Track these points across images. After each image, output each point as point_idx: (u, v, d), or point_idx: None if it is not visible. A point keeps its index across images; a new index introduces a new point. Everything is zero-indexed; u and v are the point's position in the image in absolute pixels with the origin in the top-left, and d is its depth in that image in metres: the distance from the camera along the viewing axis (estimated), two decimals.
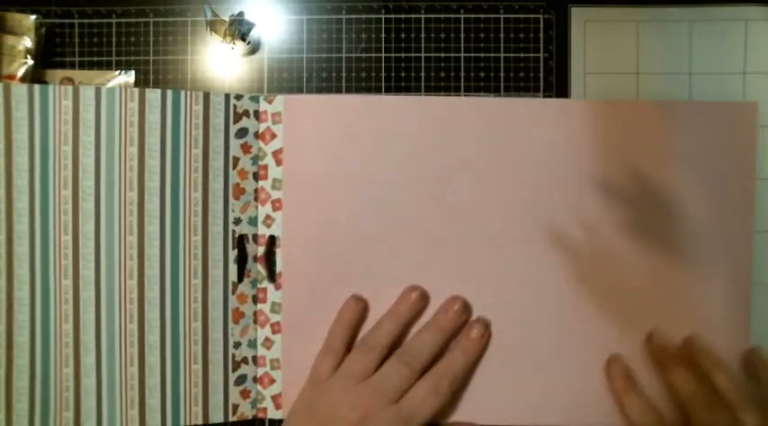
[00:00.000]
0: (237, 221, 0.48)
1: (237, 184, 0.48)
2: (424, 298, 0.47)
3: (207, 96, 0.48)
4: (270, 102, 0.49)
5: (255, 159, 0.49)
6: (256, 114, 0.49)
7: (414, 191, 0.48)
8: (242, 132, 0.49)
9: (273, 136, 0.49)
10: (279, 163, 0.48)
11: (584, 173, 0.48)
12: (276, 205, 0.48)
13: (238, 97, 0.49)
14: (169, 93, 0.48)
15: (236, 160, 0.48)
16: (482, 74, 0.57)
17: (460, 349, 0.46)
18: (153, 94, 0.48)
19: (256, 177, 0.49)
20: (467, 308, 0.47)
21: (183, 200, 0.47)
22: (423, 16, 0.58)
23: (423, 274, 0.48)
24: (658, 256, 0.48)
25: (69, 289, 0.47)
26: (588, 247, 0.48)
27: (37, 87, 0.47)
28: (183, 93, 0.48)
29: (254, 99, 0.49)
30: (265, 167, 0.49)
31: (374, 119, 0.49)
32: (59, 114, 0.47)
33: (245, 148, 0.48)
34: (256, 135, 0.49)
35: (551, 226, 0.48)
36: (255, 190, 0.49)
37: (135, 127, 0.47)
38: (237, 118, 0.49)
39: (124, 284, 0.47)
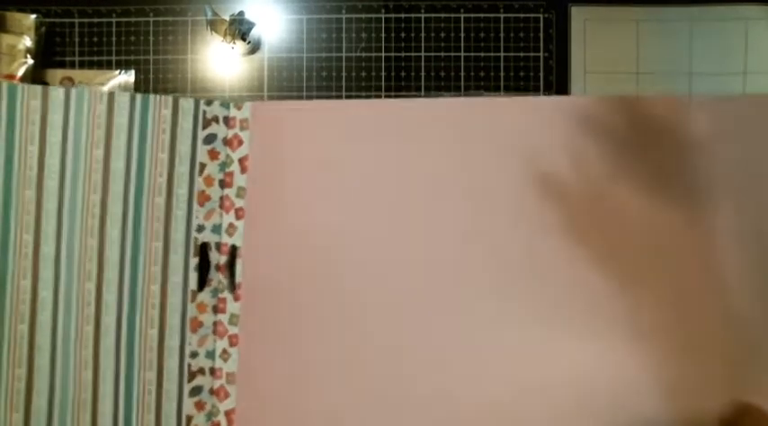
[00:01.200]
0: (201, 228, 0.47)
1: (203, 191, 0.47)
2: None
3: (176, 101, 0.48)
4: (239, 109, 0.48)
5: (223, 166, 0.48)
6: (225, 120, 0.48)
7: (378, 200, 0.46)
8: (210, 138, 0.48)
9: (240, 142, 0.48)
10: (244, 170, 0.47)
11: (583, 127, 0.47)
12: (239, 213, 0.47)
13: (208, 103, 0.48)
14: (138, 96, 0.47)
15: (203, 166, 0.47)
16: (482, 73, 0.55)
17: None
18: (122, 97, 0.47)
19: (222, 184, 0.48)
20: None
21: (147, 205, 0.47)
22: (423, 15, 0.56)
23: (387, 287, 0.46)
24: (661, 209, 0.46)
25: (27, 290, 0.47)
26: (585, 200, 0.46)
27: (4, 85, 0.47)
28: (151, 97, 0.47)
29: (225, 105, 0.48)
30: (231, 174, 0.47)
31: (338, 126, 0.47)
32: (27, 114, 0.47)
33: (213, 154, 0.48)
34: (225, 141, 0.48)
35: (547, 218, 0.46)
36: (221, 198, 0.48)
37: (102, 129, 0.47)
38: (206, 123, 0.48)
39: (82, 287, 0.47)
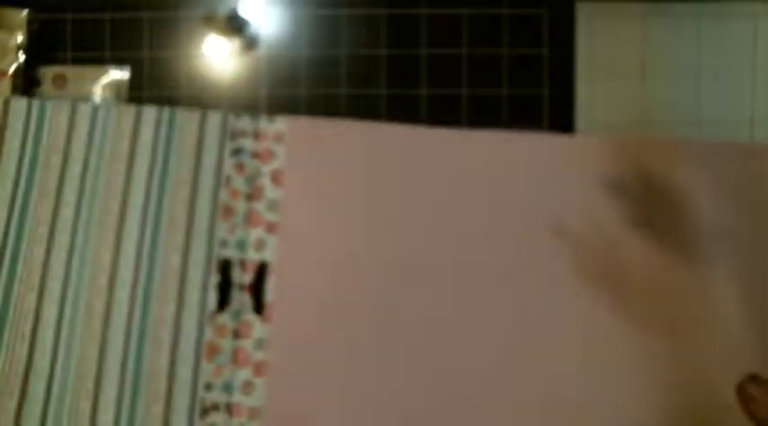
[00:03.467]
0: (224, 243, 0.45)
1: (227, 204, 0.45)
2: None
3: (204, 115, 0.47)
4: (271, 122, 0.48)
5: (250, 179, 0.46)
6: (255, 133, 0.47)
7: (418, 220, 0.46)
8: (237, 151, 0.46)
9: (272, 155, 0.47)
10: (277, 183, 0.46)
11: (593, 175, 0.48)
12: (271, 228, 0.45)
13: (237, 115, 0.47)
14: (165, 111, 0.47)
15: (228, 179, 0.46)
16: (486, 73, 0.55)
17: None
18: (149, 113, 0.47)
19: (249, 198, 0.46)
20: None
21: (167, 217, 0.45)
22: (424, 12, 0.56)
23: (424, 303, 0.45)
24: (671, 258, 0.47)
25: (32, 306, 0.43)
26: (597, 250, 0.47)
27: (36, 103, 0.46)
28: (178, 112, 0.47)
29: (255, 117, 0.47)
30: (261, 187, 0.46)
31: (376, 147, 0.47)
32: (55, 127, 0.46)
33: (239, 168, 0.46)
34: (253, 154, 0.46)
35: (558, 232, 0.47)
36: (247, 212, 0.45)
37: (126, 142, 0.46)
38: (234, 136, 0.47)
39: (90, 303, 0.43)
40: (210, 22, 0.54)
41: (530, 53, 0.55)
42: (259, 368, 0.43)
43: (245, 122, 0.47)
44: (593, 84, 0.54)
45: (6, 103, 0.46)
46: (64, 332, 0.43)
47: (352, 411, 0.43)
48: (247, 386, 0.43)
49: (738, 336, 0.46)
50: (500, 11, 0.56)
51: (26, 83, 0.52)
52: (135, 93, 0.53)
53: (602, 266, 0.46)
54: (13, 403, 0.42)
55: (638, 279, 0.46)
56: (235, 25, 0.54)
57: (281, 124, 0.47)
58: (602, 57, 0.54)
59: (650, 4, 0.54)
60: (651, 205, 0.47)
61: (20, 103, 0.46)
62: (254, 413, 0.43)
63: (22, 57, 0.53)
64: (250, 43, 0.56)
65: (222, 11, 0.54)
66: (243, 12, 0.54)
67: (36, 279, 0.44)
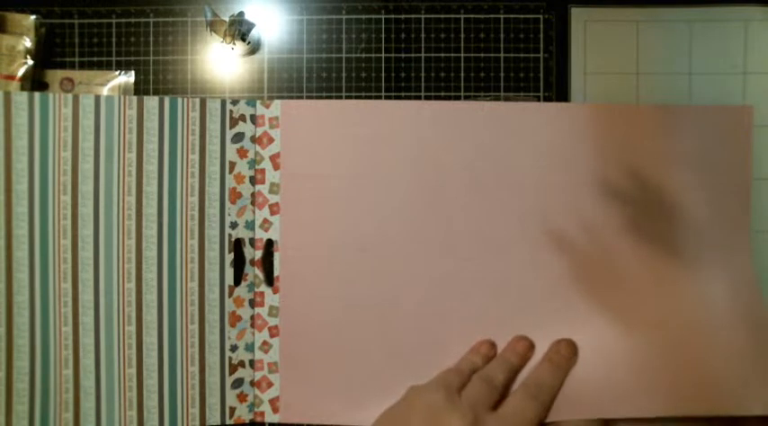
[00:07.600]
0: (234, 225, 0.49)
1: (234, 188, 0.49)
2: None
3: (203, 102, 0.49)
4: (267, 107, 0.49)
5: (252, 163, 0.49)
6: (253, 118, 0.49)
7: (412, 196, 0.49)
8: (238, 137, 0.49)
9: (271, 140, 0.49)
10: (276, 167, 0.49)
11: (584, 175, 0.49)
12: (274, 209, 0.49)
13: (234, 102, 0.49)
14: (167, 100, 0.48)
15: (233, 165, 0.49)
16: (482, 74, 0.56)
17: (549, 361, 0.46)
18: (151, 102, 0.48)
19: (253, 181, 0.49)
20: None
21: (181, 205, 0.48)
22: (423, 16, 0.58)
23: (422, 278, 0.49)
24: (660, 256, 0.48)
25: (68, 292, 0.47)
26: (589, 248, 0.48)
27: (37, 95, 0.47)
28: (180, 100, 0.48)
29: (251, 103, 0.49)
30: (263, 171, 0.49)
31: (372, 124, 0.49)
32: (59, 121, 0.47)
33: (242, 153, 0.49)
34: (253, 139, 0.49)
35: (552, 228, 0.48)
36: (252, 195, 0.49)
37: (134, 133, 0.48)
38: (234, 123, 0.49)
39: (122, 287, 0.48)
40: (215, 26, 0.56)
41: (525, 57, 0.57)
42: (273, 331, 0.49)
43: (242, 108, 0.50)
44: (586, 87, 0.55)
45: (8, 97, 0.48)
46: (102, 314, 0.48)
47: (357, 361, 0.49)
48: (265, 346, 0.49)
49: (730, 334, 0.48)
50: (497, 16, 0.57)
51: (34, 86, 0.53)
52: (141, 95, 0.54)
53: (599, 274, 0.49)
54: (70, 373, 0.48)
55: (632, 284, 0.49)
56: (238, 30, 0.55)
57: (276, 109, 0.50)
58: (596, 61, 0.55)
59: (643, 9, 0.54)
60: (641, 206, 0.49)
61: (21, 97, 0.48)
62: (272, 367, 0.49)
63: (30, 61, 0.54)
64: (253, 48, 0.57)
65: (226, 16, 0.55)
66: (246, 17, 0.56)
67: (68, 269, 0.48)
